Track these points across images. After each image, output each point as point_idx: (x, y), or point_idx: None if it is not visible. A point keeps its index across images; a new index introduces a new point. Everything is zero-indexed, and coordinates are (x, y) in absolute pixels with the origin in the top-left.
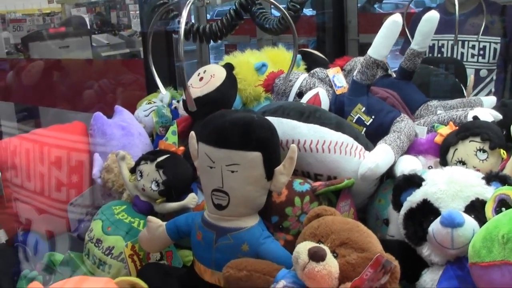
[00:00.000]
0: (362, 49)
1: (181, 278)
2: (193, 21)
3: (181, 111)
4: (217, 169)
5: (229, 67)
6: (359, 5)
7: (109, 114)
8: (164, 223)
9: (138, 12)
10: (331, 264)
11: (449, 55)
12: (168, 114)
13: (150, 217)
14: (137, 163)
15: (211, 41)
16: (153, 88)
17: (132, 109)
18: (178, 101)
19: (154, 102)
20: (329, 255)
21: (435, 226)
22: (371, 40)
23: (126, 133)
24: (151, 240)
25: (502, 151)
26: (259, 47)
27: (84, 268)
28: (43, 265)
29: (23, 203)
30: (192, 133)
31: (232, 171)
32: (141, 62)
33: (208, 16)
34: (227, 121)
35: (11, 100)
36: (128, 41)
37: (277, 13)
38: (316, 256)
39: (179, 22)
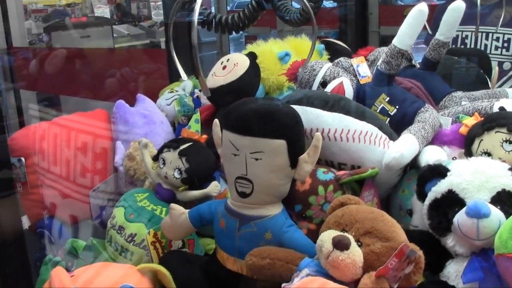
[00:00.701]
0: (383, 41)
1: (203, 266)
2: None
3: (203, 100)
4: (241, 157)
5: (252, 56)
6: None
7: (131, 103)
8: (187, 210)
9: (158, 3)
10: (355, 253)
11: (472, 46)
12: (190, 103)
13: (173, 205)
14: (160, 150)
15: (233, 32)
16: (175, 77)
17: (154, 98)
18: (200, 90)
19: (176, 91)
20: (354, 244)
21: (460, 217)
22: (392, 32)
23: (148, 121)
24: (174, 227)
25: None
26: (280, 38)
27: (106, 254)
28: (66, 251)
29: (47, 188)
30: (216, 120)
31: (256, 159)
32: (163, 51)
33: (228, 8)
34: (251, 109)
35: (33, 89)
36: (148, 32)
37: (297, 5)
38: (340, 244)
39: (201, 12)
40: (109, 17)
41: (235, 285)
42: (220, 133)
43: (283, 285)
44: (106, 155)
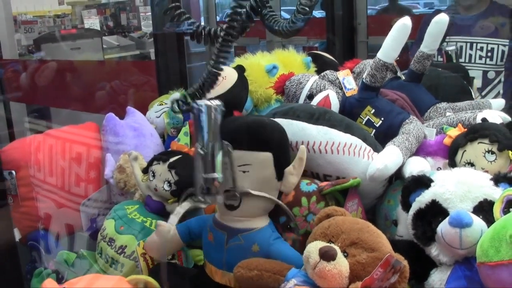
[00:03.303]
0: (371, 51)
1: (193, 279)
2: (202, 23)
3: None
4: (229, 170)
5: (240, 69)
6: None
7: (120, 115)
8: (175, 226)
9: (148, 14)
10: (342, 264)
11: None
12: (179, 115)
13: (160, 222)
14: (150, 163)
15: None
16: (165, 90)
17: (143, 110)
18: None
19: (166, 104)
20: (340, 255)
21: (443, 226)
22: (381, 42)
23: (138, 134)
24: (162, 246)
25: (510, 152)
26: (269, 49)
27: (96, 266)
28: (57, 263)
29: (40, 200)
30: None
31: (244, 171)
32: (152, 64)
33: (218, 18)
34: (238, 124)
35: (23, 101)
36: (138, 43)
37: (286, 15)
38: (327, 255)
39: (191, 24)
40: (99, 28)
41: None
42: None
43: None
44: (97, 168)
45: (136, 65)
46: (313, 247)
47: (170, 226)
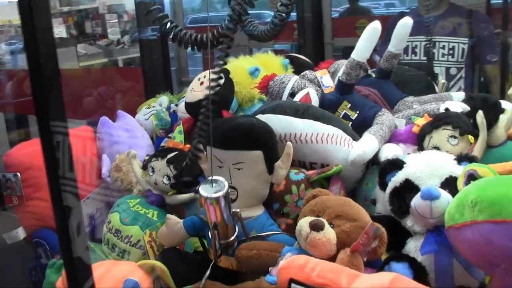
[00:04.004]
0: (336, 51)
1: (198, 263)
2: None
3: (180, 114)
4: (225, 168)
5: (225, 72)
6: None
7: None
8: (182, 220)
9: (113, 21)
10: (329, 233)
11: (422, 55)
12: (167, 117)
13: (169, 215)
14: (149, 160)
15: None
16: (152, 94)
17: (131, 114)
18: (176, 105)
19: (153, 107)
20: (327, 226)
21: (416, 200)
22: (345, 43)
23: (131, 135)
24: (170, 235)
25: (470, 137)
26: (236, 54)
27: (104, 256)
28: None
29: (42, 200)
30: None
31: (239, 169)
32: (139, 70)
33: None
34: (230, 126)
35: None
36: (105, 51)
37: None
38: (316, 226)
39: (173, 27)
40: (65, 36)
41: (227, 280)
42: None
43: (270, 268)
44: (94, 168)
45: (123, 71)
46: (304, 222)
47: (177, 219)
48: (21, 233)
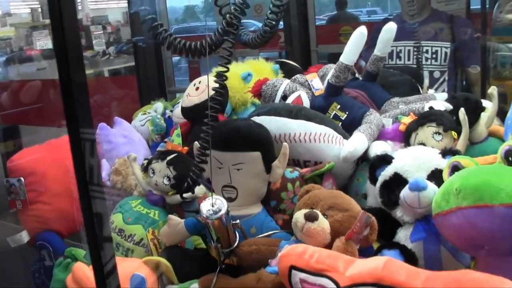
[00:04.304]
0: (320, 58)
1: (199, 260)
2: None
3: (175, 119)
4: (225, 169)
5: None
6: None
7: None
8: (183, 220)
9: (97, 33)
10: (323, 223)
11: (406, 59)
12: (162, 123)
13: (171, 216)
14: (149, 162)
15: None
16: (146, 101)
17: (127, 121)
18: (171, 111)
19: (149, 113)
20: (321, 216)
21: (405, 192)
22: (329, 50)
23: (129, 140)
24: (172, 234)
25: (453, 132)
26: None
27: None
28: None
29: (45, 204)
30: (196, 143)
31: (238, 169)
32: (133, 79)
33: None
34: (230, 129)
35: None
36: (91, 62)
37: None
38: (310, 217)
39: (168, 35)
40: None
41: (230, 275)
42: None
43: (269, 260)
44: None
45: (119, 80)
46: (299, 214)
47: (178, 219)
48: (24, 237)
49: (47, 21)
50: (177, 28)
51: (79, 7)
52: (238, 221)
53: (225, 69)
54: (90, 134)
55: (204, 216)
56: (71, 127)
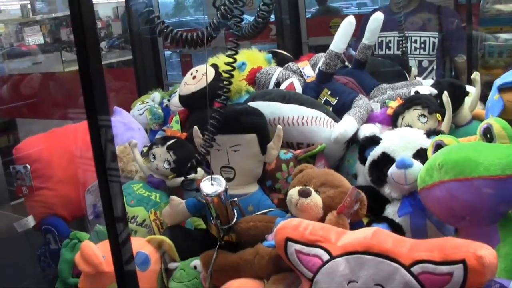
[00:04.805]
0: (311, 51)
1: (200, 238)
2: None
3: (173, 108)
4: (223, 151)
5: (215, 67)
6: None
7: None
8: (184, 200)
9: None
10: (316, 199)
11: (395, 49)
12: (159, 111)
13: (172, 197)
14: (150, 148)
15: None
16: (144, 91)
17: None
18: (168, 100)
19: (147, 102)
20: (314, 193)
21: (392, 170)
22: (319, 42)
23: (128, 128)
24: (174, 214)
25: (437, 115)
26: (213, 54)
27: None
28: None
29: (50, 190)
30: (196, 128)
31: (235, 151)
32: (131, 71)
33: None
34: (227, 113)
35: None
36: None
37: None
38: (304, 193)
39: (165, 27)
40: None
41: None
42: (201, 136)
43: (266, 236)
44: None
45: (118, 71)
46: (294, 191)
47: (179, 199)
48: (31, 221)
49: (38, 17)
50: (168, 23)
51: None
52: (236, 199)
53: (233, 60)
54: (107, 121)
55: (204, 194)
56: (90, 114)
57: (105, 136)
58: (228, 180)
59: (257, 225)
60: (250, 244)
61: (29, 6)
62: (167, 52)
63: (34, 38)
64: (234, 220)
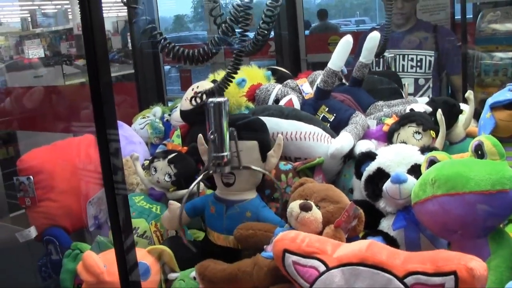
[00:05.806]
0: (309, 68)
1: (199, 250)
2: None
3: (173, 122)
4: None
5: (215, 83)
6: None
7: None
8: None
9: None
10: (316, 213)
11: (392, 66)
12: (160, 126)
13: (171, 201)
14: (151, 161)
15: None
16: (145, 105)
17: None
18: (169, 115)
19: (148, 117)
20: (314, 207)
21: (387, 185)
22: (318, 59)
23: (130, 142)
24: (172, 219)
25: (432, 132)
26: (213, 70)
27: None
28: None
29: (52, 201)
30: (200, 135)
31: (237, 156)
32: (132, 85)
33: None
34: (230, 120)
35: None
36: (83, 71)
37: None
38: (305, 207)
39: (167, 43)
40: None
41: (226, 258)
42: (205, 144)
43: (265, 246)
44: (97, 172)
45: (119, 86)
46: (295, 204)
47: (178, 204)
48: (33, 232)
49: (38, 30)
50: (168, 38)
51: (70, 17)
52: (234, 128)
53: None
54: (114, 135)
55: (210, 101)
56: (99, 128)
57: (114, 149)
58: (228, 185)
59: (256, 233)
60: (248, 255)
61: (29, 19)
62: (167, 67)
63: (34, 51)
64: (227, 153)
